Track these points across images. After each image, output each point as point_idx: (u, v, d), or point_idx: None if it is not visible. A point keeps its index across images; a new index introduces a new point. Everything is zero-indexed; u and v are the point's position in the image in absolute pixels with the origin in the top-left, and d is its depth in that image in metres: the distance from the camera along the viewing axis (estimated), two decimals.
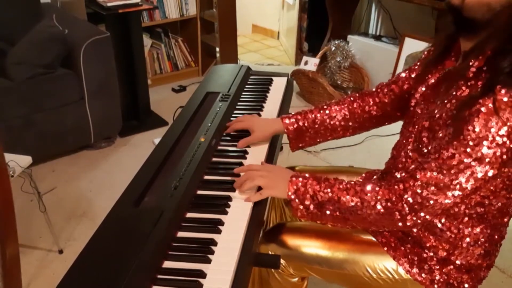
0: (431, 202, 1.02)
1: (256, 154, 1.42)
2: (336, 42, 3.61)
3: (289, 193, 1.14)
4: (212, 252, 1.04)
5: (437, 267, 1.16)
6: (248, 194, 1.23)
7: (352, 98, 1.44)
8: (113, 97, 2.83)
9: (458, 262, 1.15)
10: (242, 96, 1.76)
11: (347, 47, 3.62)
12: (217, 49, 4.08)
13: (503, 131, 0.92)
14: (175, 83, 3.89)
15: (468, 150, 0.96)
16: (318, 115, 1.43)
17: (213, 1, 3.84)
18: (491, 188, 1.06)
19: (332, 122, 1.43)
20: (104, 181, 2.62)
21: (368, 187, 1.08)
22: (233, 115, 1.62)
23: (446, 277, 1.16)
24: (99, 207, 2.40)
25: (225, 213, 1.17)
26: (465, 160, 0.96)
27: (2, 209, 1.40)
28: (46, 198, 2.37)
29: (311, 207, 1.13)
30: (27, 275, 1.96)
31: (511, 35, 0.95)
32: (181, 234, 1.10)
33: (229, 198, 1.21)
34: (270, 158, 1.43)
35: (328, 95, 3.36)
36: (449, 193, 1.00)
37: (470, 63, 1.01)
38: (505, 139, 0.93)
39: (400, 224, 1.07)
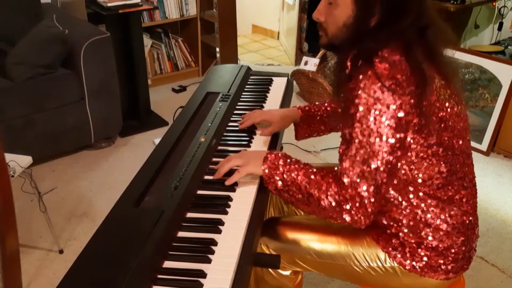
0: (362, 193, 1.06)
1: None
2: None
3: (263, 170, 1.20)
4: (212, 252, 1.05)
5: (417, 250, 1.19)
6: (249, 193, 1.23)
7: None
8: (113, 97, 2.84)
9: (432, 242, 1.18)
10: (242, 96, 1.77)
11: None
12: (217, 49, 4.08)
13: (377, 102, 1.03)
14: (175, 83, 3.89)
15: (358, 128, 1.06)
16: (327, 106, 1.55)
17: (213, 1, 3.84)
18: (410, 160, 1.12)
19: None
20: (104, 181, 2.62)
21: (324, 183, 1.12)
22: (233, 115, 1.62)
23: (426, 259, 1.19)
24: (99, 207, 2.40)
25: (225, 213, 1.17)
26: (361, 138, 1.06)
27: (3, 209, 1.40)
28: (47, 198, 2.37)
29: (279, 184, 1.19)
30: (27, 275, 1.96)
31: (359, 35, 1.11)
32: (181, 234, 1.11)
33: (229, 198, 1.22)
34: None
35: (328, 95, 3.36)
36: (368, 181, 1.06)
37: (343, 60, 1.14)
38: (379, 106, 1.03)
39: (348, 215, 1.09)
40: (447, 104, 1.13)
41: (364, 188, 1.06)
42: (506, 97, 2.75)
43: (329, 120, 1.56)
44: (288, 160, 1.20)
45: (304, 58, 3.58)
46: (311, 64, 3.50)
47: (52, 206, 2.31)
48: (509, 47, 3.20)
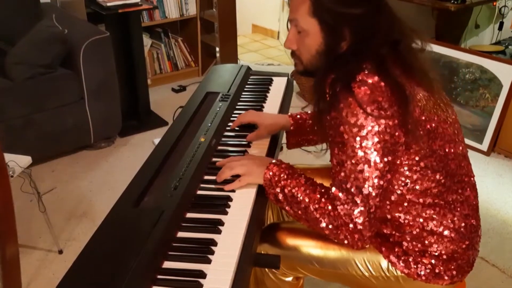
0: (356, 219, 1.06)
1: (256, 154, 1.41)
2: None
3: (264, 180, 1.20)
4: (212, 252, 1.04)
5: (421, 259, 1.18)
6: (248, 193, 1.23)
7: None
8: (113, 97, 2.83)
9: (436, 251, 1.17)
10: (242, 96, 1.76)
11: None
12: (217, 49, 4.08)
13: (361, 128, 1.03)
14: (175, 83, 3.89)
15: (346, 156, 1.06)
16: None
17: (213, 1, 3.83)
18: (404, 175, 1.11)
19: None
20: (104, 181, 2.62)
21: (323, 204, 1.11)
22: (233, 115, 1.62)
23: (431, 267, 1.17)
24: (99, 207, 2.40)
25: (225, 213, 1.17)
26: (350, 166, 1.05)
27: (2, 209, 1.40)
28: (46, 198, 2.37)
29: (280, 197, 1.18)
30: (27, 275, 1.96)
31: (333, 60, 1.12)
32: (181, 234, 1.10)
33: (229, 198, 1.21)
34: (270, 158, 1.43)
35: None
36: (361, 207, 1.06)
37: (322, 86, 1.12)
38: (363, 132, 1.03)
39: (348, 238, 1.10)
40: (433, 114, 1.12)
41: (358, 214, 1.06)
42: (506, 97, 2.75)
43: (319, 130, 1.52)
44: (291, 174, 1.18)
45: None
46: None
47: (51, 206, 2.31)
48: (509, 46, 3.19)
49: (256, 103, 1.71)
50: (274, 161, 1.23)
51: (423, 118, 1.10)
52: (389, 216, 1.18)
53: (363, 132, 1.03)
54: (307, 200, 1.13)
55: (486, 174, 2.72)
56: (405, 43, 1.11)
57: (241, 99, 1.74)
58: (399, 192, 1.14)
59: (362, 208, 1.06)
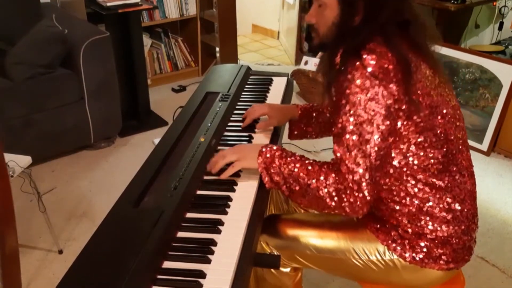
0: (358, 180, 1.09)
1: None
2: None
3: (258, 163, 1.22)
4: (212, 252, 1.04)
5: (417, 241, 1.19)
6: (248, 193, 1.23)
7: None
8: (113, 97, 2.83)
9: (431, 234, 1.19)
10: (242, 96, 1.76)
11: None
12: (217, 49, 4.08)
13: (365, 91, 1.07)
14: (175, 83, 3.89)
15: (350, 117, 1.10)
16: (325, 108, 1.55)
17: (213, 1, 3.83)
18: (404, 146, 1.14)
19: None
20: (104, 181, 2.62)
21: (322, 173, 1.14)
22: (233, 115, 1.62)
23: (427, 250, 1.19)
24: (99, 207, 2.40)
25: (225, 213, 1.17)
26: (353, 127, 1.09)
27: (2, 209, 1.40)
28: (46, 198, 2.37)
29: (276, 177, 1.21)
30: (27, 275, 1.96)
31: (346, 32, 1.17)
32: (181, 234, 1.10)
33: (229, 198, 1.21)
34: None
35: None
36: (363, 167, 1.09)
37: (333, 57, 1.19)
38: (369, 95, 1.07)
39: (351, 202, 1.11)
40: (436, 92, 1.17)
41: (359, 176, 1.09)
42: (506, 97, 2.75)
43: (324, 122, 1.56)
44: (284, 153, 1.22)
45: (304, 58, 3.57)
46: (311, 63, 3.50)
47: (51, 206, 2.31)
48: (509, 46, 3.19)
49: (256, 103, 1.71)
50: (264, 144, 1.26)
51: (426, 91, 1.14)
52: (386, 194, 1.20)
53: (368, 95, 1.07)
54: (305, 172, 1.16)
55: (486, 174, 2.72)
56: (414, 26, 1.17)
57: (241, 99, 1.74)
58: (396, 164, 1.16)
59: (364, 168, 1.09)
